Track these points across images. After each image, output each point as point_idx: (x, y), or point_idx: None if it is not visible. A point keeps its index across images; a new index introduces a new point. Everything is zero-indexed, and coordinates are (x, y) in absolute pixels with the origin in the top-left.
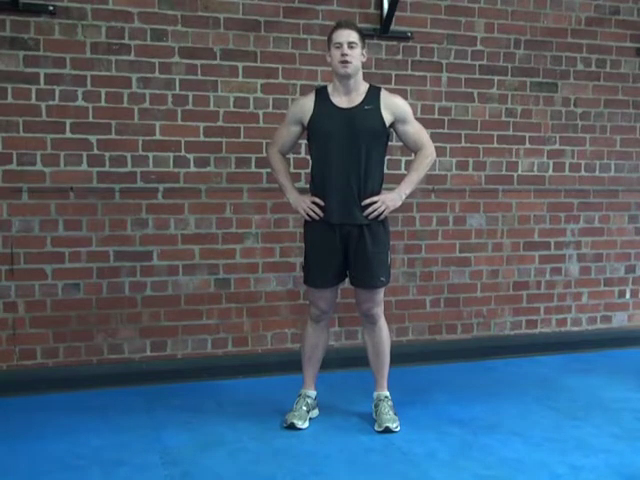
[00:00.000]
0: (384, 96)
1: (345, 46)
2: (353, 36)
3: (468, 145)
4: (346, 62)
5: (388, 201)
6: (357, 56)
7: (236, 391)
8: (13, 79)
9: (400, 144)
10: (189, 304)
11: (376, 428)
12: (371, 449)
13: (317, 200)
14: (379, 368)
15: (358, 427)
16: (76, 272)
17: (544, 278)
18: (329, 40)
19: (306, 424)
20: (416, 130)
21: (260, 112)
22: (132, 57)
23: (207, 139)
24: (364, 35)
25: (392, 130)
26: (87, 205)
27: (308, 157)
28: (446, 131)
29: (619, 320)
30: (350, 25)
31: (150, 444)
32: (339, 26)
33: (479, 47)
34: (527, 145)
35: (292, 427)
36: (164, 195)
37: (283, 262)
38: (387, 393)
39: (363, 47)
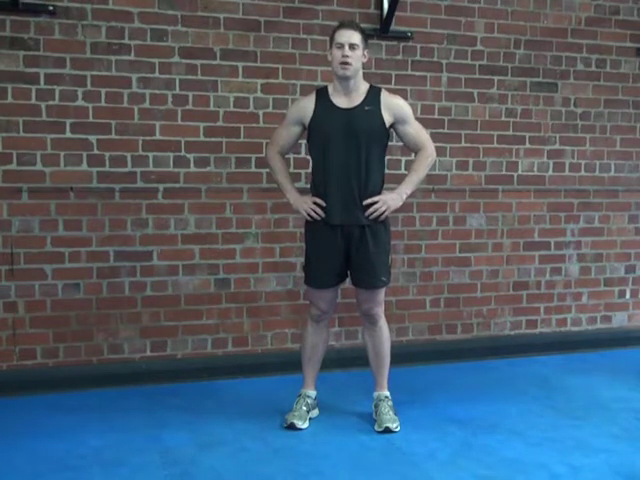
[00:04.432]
0: (384, 97)
1: (346, 47)
2: (355, 37)
3: (468, 145)
4: (346, 64)
5: (389, 201)
6: (358, 58)
7: (236, 391)
8: (13, 79)
9: (400, 144)
10: (189, 304)
11: (376, 428)
12: (371, 449)
13: (318, 200)
14: (379, 368)
15: (358, 427)
16: (76, 272)
17: (544, 278)
18: (331, 39)
19: (306, 424)
20: (416, 131)
21: (260, 112)
22: (132, 57)
23: (207, 139)
24: (367, 36)
25: (392, 130)
26: (87, 205)
27: (308, 157)
28: (446, 131)
29: (619, 320)
30: (353, 26)
31: (150, 444)
32: (342, 26)
33: (479, 47)
34: (527, 145)
35: (292, 427)
36: (164, 195)
37: (283, 262)
38: (387, 393)
39: (365, 48)
